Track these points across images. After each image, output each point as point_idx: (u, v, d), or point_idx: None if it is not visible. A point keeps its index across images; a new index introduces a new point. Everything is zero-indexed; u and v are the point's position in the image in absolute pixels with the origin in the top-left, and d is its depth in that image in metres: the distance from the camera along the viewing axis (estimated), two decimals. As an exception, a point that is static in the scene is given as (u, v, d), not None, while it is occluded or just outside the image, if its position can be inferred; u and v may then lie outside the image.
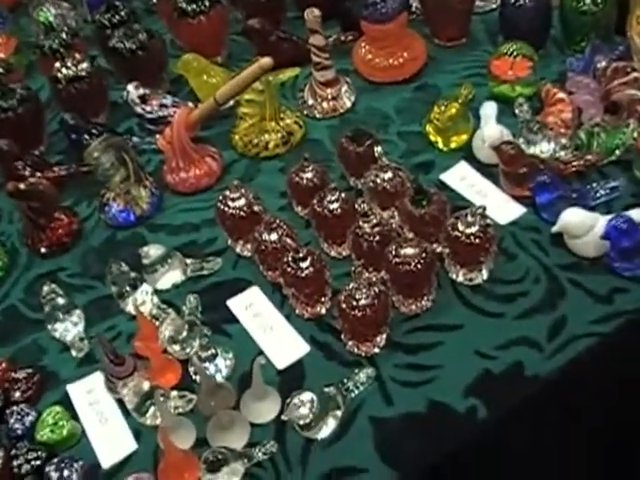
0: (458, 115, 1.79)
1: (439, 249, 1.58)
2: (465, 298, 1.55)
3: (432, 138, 1.82)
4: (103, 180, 1.78)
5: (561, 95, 1.78)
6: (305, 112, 1.97)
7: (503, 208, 1.67)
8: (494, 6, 2.14)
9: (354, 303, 1.43)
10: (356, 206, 1.54)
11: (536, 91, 1.86)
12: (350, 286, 1.44)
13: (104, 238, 1.82)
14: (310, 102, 1.97)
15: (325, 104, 1.94)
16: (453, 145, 1.80)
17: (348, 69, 2.05)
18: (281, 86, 2.02)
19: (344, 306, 1.44)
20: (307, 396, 1.38)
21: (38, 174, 1.88)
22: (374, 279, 1.46)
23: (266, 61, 1.71)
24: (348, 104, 1.95)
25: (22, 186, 1.68)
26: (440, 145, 1.81)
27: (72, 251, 1.81)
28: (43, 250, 1.80)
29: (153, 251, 1.66)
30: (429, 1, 2.04)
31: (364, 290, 1.43)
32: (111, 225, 1.83)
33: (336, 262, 1.63)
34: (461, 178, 1.75)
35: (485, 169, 1.75)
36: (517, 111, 1.78)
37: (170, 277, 1.66)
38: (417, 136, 1.86)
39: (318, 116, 1.95)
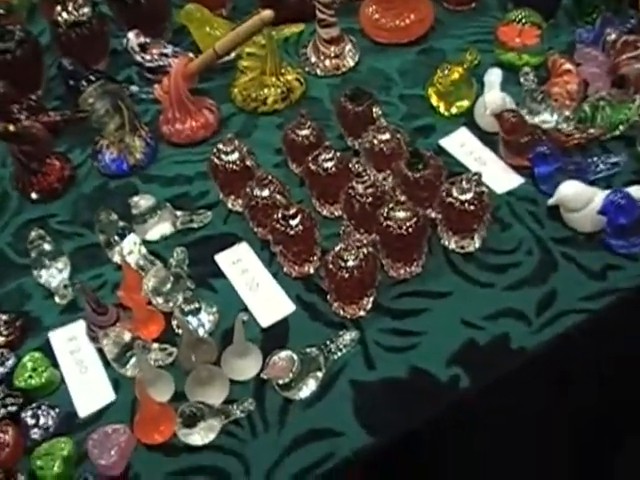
0: (461, 80, 1.76)
1: (432, 214, 1.55)
2: (456, 266, 1.53)
3: (434, 102, 1.79)
4: (97, 127, 1.75)
5: (568, 66, 1.75)
6: (307, 69, 1.93)
7: (501, 177, 1.65)
8: (506, -29, 2.09)
9: (342, 264, 1.40)
10: (350, 166, 1.51)
11: (543, 61, 1.82)
12: (338, 246, 1.41)
13: (96, 186, 1.79)
14: (312, 59, 1.93)
15: (327, 62, 1.91)
16: (454, 110, 1.77)
17: (354, 28, 2.01)
18: (284, 42, 1.99)
19: (331, 266, 1.42)
20: (287, 355, 1.36)
21: (33, 118, 1.85)
22: (364, 241, 1.43)
23: (267, 13, 1.68)
24: (351, 63, 1.92)
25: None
26: (441, 110, 1.78)
27: (63, 198, 1.79)
28: (34, 195, 1.78)
29: (143, 202, 1.64)
30: (440, -37, 1.99)
31: (352, 251, 1.40)
32: (104, 173, 1.80)
33: (327, 222, 1.61)
34: (461, 144, 1.72)
35: (486, 137, 1.73)
36: (522, 80, 1.75)
37: (159, 228, 1.64)
38: (419, 100, 1.83)
39: (320, 74, 1.92)
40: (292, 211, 1.47)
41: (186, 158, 1.80)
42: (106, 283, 1.61)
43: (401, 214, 1.44)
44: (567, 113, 1.70)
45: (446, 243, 1.55)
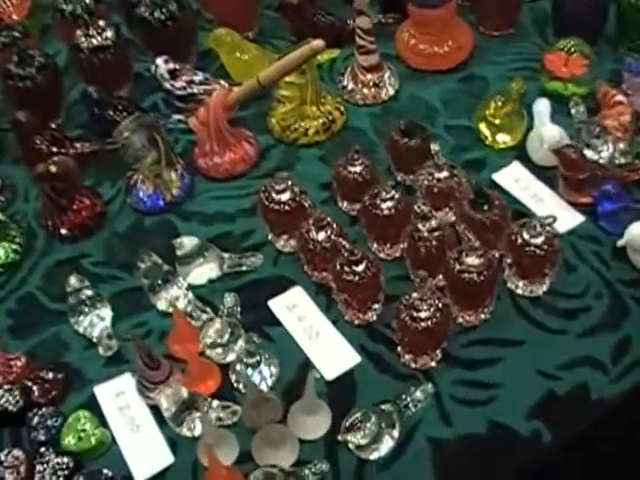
0: (514, 112, 1.69)
1: (497, 255, 1.48)
2: (525, 311, 1.46)
3: (483, 135, 1.72)
4: (132, 161, 1.66)
5: (620, 97, 1.69)
6: (345, 97, 1.85)
7: (561, 215, 1.56)
8: (543, -4, 2.04)
9: (415, 315, 1.33)
10: (415, 207, 1.43)
11: (590, 91, 1.76)
12: (412, 296, 1.34)
13: (130, 223, 1.70)
14: (350, 87, 1.85)
15: (366, 90, 1.83)
16: (506, 143, 1.70)
17: (389, 53, 1.93)
18: (318, 68, 1.89)
19: (404, 317, 1.34)
20: (366, 416, 1.27)
21: (57, 149, 1.75)
22: (437, 292, 1.35)
23: (318, 43, 1.60)
24: (391, 92, 1.84)
25: (53, 168, 1.55)
26: (492, 142, 1.71)
27: (95, 236, 1.69)
28: (64, 233, 1.67)
29: (188, 242, 1.54)
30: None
31: (428, 301, 1.32)
32: (138, 210, 1.70)
33: (386, 264, 1.52)
34: (515, 179, 1.66)
35: (539, 171, 1.66)
36: (573, 111, 1.70)
37: (205, 272, 1.55)
38: (466, 131, 1.75)
39: (359, 102, 1.83)
40: (357, 256, 1.39)
41: (225, 193, 1.71)
42: (151, 332, 1.52)
43: (474, 260, 1.37)
44: (622, 146, 1.64)
45: (513, 287, 1.48)
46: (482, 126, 1.71)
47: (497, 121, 1.68)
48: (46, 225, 1.69)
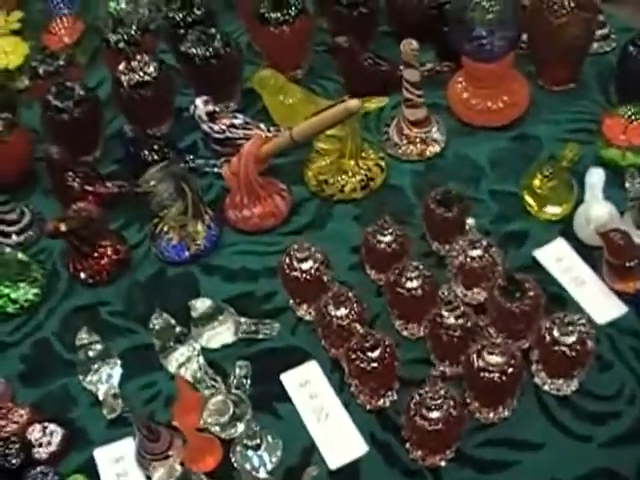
0: (562, 184, 1.58)
1: (525, 345, 1.39)
2: (549, 411, 1.37)
3: (529, 205, 1.62)
4: (158, 210, 1.60)
5: (681, 172, 1.57)
6: (389, 151, 1.76)
7: (602, 303, 1.48)
8: (609, 49, 1.91)
9: (426, 414, 1.24)
10: (440, 293, 1.35)
11: (649, 161, 1.64)
12: (423, 392, 1.25)
13: (152, 273, 1.65)
14: (395, 140, 1.76)
15: (412, 147, 1.74)
16: (553, 216, 1.60)
17: (439, 103, 1.83)
18: (363, 116, 1.80)
19: (413, 415, 1.26)
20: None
21: (88, 187, 1.71)
22: (451, 390, 1.27)
23: (355, 104, 1.52)
24: (437, 149, 1.75)
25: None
26: (537, 213, 1.61)
27: (116, 283, 1.64)
28: (84, 279, 1.63)
29: (201, 305, 1.48)
30: (539, 36, 1.81)
31: (439, 400, 1.24)
32: (161, 259, 1.65)
33: (407, 343, 1.44)
34: (557, 258, 1.55)
35: (585, 250, 1.55)
36: (627, 184, 1.59)
37: (220, 335, 1.49)
38: (511, 198, 1.65)
39: (402, 158, 1.74)
40: (371, 342, 1.31)
41: (252, 249, 1.65)
42: (159, 394, 1.47)
43: (496, 358, 1.28)
44: (676, 229, 1.52)
45: (539, 382, 1.38)
46: (528, 196, 1.61)
47: (543, 193, 1.58)
48: (68, 268, 1.64)
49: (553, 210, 1.60)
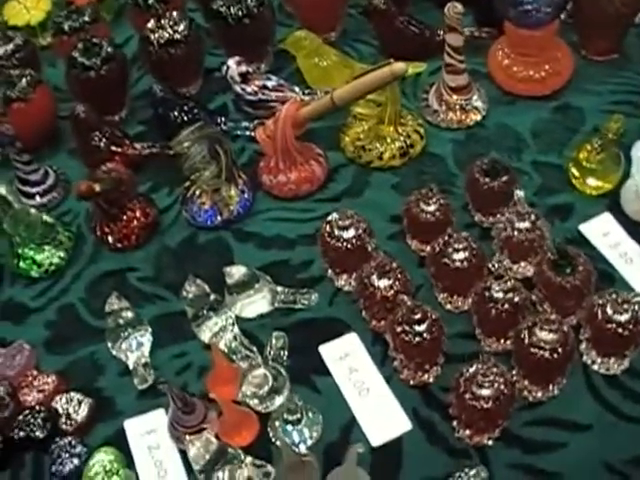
0: (609, 156, 1.52)
1: (574, 321, 1.34)
2: (598, 391, 1.31)
3: (575, 178, 1.56)
4: (190, 173, 1.54)
5: None
6: (428, 118, 1.70)
7: (652, 282, 1.43)
8: (654, 20, 1.85)
9: (476, 392, 1.19)
10: (490, 265, 1.29)
11: (699, 134, 1.59)
12: (473, 369, 1.21)
13: (183, 238, 1.59)
14: (435, 107, 1.70)
15: (452, 114, 1.68)
16: (598, 189, 1.54)
17: (480, 71, 1.77)
18: (401, 81, 1.73)
19: (464, 393, 1.21)
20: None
21: (115, 148, 1.65)
22: (503, 368, 1.22)
23: (400, 67, 1.46)
24: (478, 117, 1.69)
25: (97, 188, 1.44)
26: (582, 187, 1.55)
27: (145, 248, 1.59)
28: (112, 243, 1.58)
29: (237, 272, 1.43)
30: (584, 4, 1.74)
31: (490, 377, 1.19)
32: (192, 224, 1.59)
33: (451, 317, 1.39)
34: (604, 233, 1.50)
35: (633, 226, 1.49)
36: (675, 158, 1.53)
37: (255, 305, 1.44)
38: (555, 170, 1.60)
39: (442, 125, 1.68)
40: (418, 315, 1.26)
41: (288, 215, 1.59)
42: (191, 365, 1.42)
43: (548, 335, 1.23)
44: None
45: (589, 361, 1.34)
46: (574, 168, 1.55)
47: (591, 166, 1.52)
48: (95, 231, 1.59)
49: (600, 183, 1.54)
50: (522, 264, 1.42)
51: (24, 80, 1.74)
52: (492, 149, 1.62)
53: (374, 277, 1.35)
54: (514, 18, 1.67)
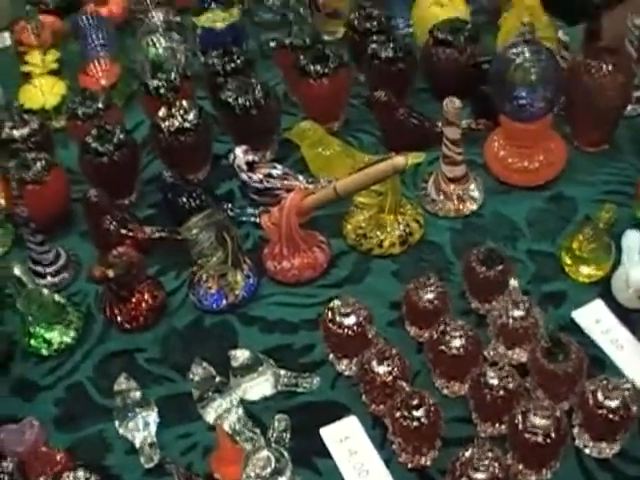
0: (600, 245, 1.59)
1: (567, 406, 1.39)
2: (591, 473, 1.36)
3: (567, 266, 1.62)
4: (198, 258, 1.60)
5: None
6: (426, 207, 1.77)
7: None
8: (643, 111, 1.94)
9: (472, 475, 1.24)
10: (486, 352, 1.35)
11: (685, 226, 1.65)
12: (469, 453, 1.25)
13: (190, 321, 1.65)
14: (433, 196, 1.77)
15: (449, 203, 1.75)
16: (591, 278, 1.60)
17: (476, 161, 1.85)
18: (401, 172, 1.80)
19: (460, 476, 1.25)
20: None
21: (125, 231, 1.71)
22: (497, 451, 1.27)
23: (402, 161, 1.53)
24: (474, 207, 1.76)
25: (111, 274, 1.50)
26: (575, 274, 1.61)
27: (153, 329, 1.64)
28: (121, 324, 1.63)
29: (241, 355, 1.48)
30: (576, 97, 1.82)
31: (485, 462, 1.24)
32: (199, 307, 1.65)
33: (448, 401, 1.44)
34: (596, 320, 1.56)
35: (623, 313, 1.55)
36: (664, 247, 1.59)
37: (259, 387, 1.49)
38: (548, 258, 1.66)
39: (440, 214, 1.75)
40: (416, 401, 1.31)
41: (290, 300, 1.65)
42: (196, 445, 1.46)
43: (541, 421, 1.28)
44: None
45: (581, 445, 1.38)
46: (566, 257, 1.62)
47: (583, 254, 1.59)
48: (104, 312, 1.65)
49: (592, 271, 1.61)
50: (517, 350, 1.48)
51: (39, 164, 1.81)
52: (488, 237, 1.68)
53: (374, 363, 1.41)
54: (509, 112, 1.75)
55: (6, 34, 2.50)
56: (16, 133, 1.93)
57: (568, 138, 1.87)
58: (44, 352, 1.63)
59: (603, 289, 1.60)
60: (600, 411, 1.31)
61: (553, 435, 1.28)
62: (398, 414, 1.33)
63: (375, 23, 2.03)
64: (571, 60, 1.87)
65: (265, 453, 1.35)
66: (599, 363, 1.48)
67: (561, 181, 1.81)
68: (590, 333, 1.54)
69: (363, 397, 1.45)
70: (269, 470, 1.34)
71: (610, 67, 1.76)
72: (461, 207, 1.75)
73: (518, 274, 1.58)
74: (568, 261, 1.62)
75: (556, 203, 1.77)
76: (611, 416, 1.31)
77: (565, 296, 1.60)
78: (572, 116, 1.87)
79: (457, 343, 1.41)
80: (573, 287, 1.61)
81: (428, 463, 1.38)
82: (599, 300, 1.58)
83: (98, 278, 1.52)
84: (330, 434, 1.44)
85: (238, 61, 1.96)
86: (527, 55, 1.71)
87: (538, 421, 1.28)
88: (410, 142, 1.85)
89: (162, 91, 1.87)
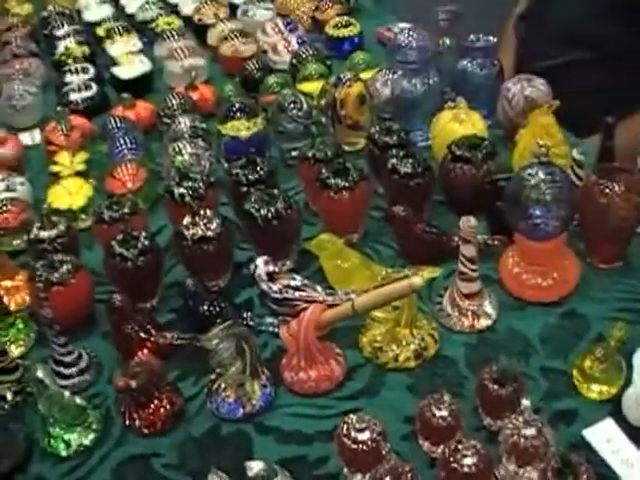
0: (612, 364, 1.62)
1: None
2: None
3: (578, 384, 1.65)
4: (215, 368, 1.64)
5: None
6: (441, 321, 1.81)
7: (650, 488, 1.50)
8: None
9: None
10: (496, 472, 1.37)
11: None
12: None
13: (207, 428, 1.68)
14: (448, 311, 1.81)
15: (464, 319, 1.79)
16: (602, 395, 1.63)
17: (491, 276, 1.90)
18: (417, 284, 1.86)
19: None
20: None
21: (146, 336, 1.76)
22: None
23: (419, 282, 1.58)
24: (488, 322, 1.80)
25: (134, 384, 1.55)
26: (586, 392, 1.64)
27: (170, 435, 1.67)
28: (139, 428, 1.66)
29: (256, 466, 1.49)
30: (589, 215, 1.88)
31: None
32: (216, 415, 1.68)
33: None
34: (606, 439, 1.58)
35: (634, 432, 1.58)
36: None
37: (274, 499, 1.50)
38: (561, 375, 1.69)
39: (455, 329, 1.79)
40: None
41: (307, 412, 1.68)
42: None
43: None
44: None
45: None
46: (577, 375, 1.65)
47: (594, 373, 1.62)
48: (123, 416, 1.68)
49: (603, 389, 1.63)
50: (528, 469, 1.50)
51: (65, 266, 1.86)
52: (502, 353, 1.72)
53: (387, 479, 1.43)
54: (524, 230, 1.80)
55: (37, 131, 2.58)
56: (44, 234, 1.99)
57: (582, 254, 1.92)
58: (63, 453, 1.66)
59: (614, 407, 1.62)
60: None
61: None
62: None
63: (395, 137, 2.09)
64: (585, 179, 1.92)
65: None
66: (608, 482, 1.50)
67: (574, 298, 1.85)
68: (601, 452, 1.56)
69: (376, 513, 1.47)
70: None
71: (622, 187, 1.81)
72: (475, 322, 1.79)
73: (530, 391, 1.61)
74: (580, 379, 1.65)
75: (569, 320, 1.81)
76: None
77: (576, 414, 1.63)
78: (586, 233, 1.92)
79: (469, 461, 1.43)
80: (584, 405, 1.64)
81: None
82: (610, 419, 1.61)
83: (121, 388, 1.56)
84: None
85: (261, 172, 2.02)
86: (541, 176, 1.76)
87: None
88: (427, 256, 1.91)
89: (187, 199, 1.93)
